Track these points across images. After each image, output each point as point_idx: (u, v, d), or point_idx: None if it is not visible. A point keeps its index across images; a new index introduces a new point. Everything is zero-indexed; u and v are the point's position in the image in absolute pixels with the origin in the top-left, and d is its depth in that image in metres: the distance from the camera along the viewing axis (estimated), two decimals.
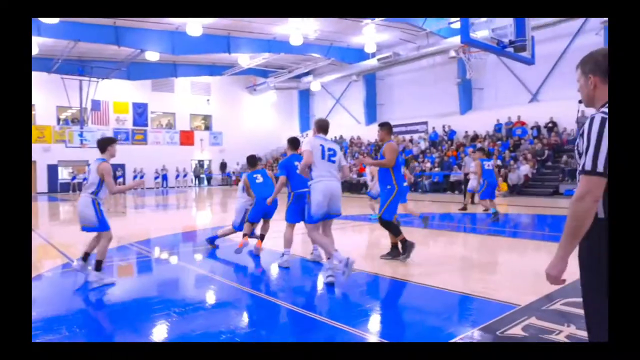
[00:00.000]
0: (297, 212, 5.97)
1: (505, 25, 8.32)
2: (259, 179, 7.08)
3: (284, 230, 6.12)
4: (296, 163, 6.01)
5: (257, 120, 35.96)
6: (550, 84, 21.95)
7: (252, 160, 7.33)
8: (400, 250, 6.13)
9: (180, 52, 23.93)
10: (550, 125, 20.93)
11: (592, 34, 20.10)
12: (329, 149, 5.17)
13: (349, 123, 32.14)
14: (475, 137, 23.16)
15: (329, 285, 5.07)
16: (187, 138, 33.26)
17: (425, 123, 26.78)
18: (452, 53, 22.73)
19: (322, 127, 5.37)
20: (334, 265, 5.10)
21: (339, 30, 24.74)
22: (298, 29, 23.21)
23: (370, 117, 30.35)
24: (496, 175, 11.49)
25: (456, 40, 22.52)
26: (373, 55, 26.76)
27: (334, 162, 5.17)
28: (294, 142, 6.45)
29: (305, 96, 35.55)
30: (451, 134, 24.80)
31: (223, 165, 34.73)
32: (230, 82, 34.32)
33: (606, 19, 17.66)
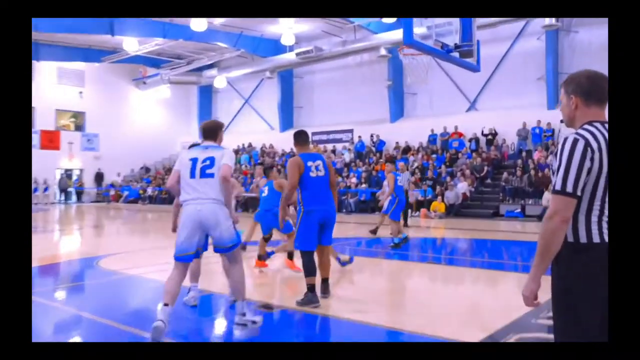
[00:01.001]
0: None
1: (443, 23, 8.50)
2: (265, 191, 8.15)
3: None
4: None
5: (145, 121, 34.37)
6: (490, 91, 23.24)
7: (265, 171, 8.64)
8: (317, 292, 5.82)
9: (46, 28, 22.17)
10: (490, 137, 22.08)
11: (533, 38, 21.63)
12: (204, 160, 4.63)
13: (261, 128, 31.79)
14: (408, 149, 23.83)
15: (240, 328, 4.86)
16: (50, 140, 30.94)
17: (351, 131, 27.16)
18: (383, 51, 23.36)
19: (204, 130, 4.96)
20: (244, 312, 4.81)
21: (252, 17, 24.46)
22: None
23: (286, 122, 30.25)
24: (406, 193, 11.78)
25: (388, 36, 23.15)
26: (291, 48, 26.75)
27: (209, 175, 4.60)
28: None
29: (207, 93, 34.67)
30: (380, 144, 25.33)
31: (99, 177, 32.74)
32: (112, 72, 32.48)
33: (548, 22, 19.12)
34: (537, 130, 20.84)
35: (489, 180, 20.43)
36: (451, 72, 22.99)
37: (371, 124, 26.22)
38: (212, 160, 4.59)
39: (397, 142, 24.52)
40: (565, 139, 2.33)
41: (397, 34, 23.08)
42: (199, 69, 31.02)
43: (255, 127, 32.03)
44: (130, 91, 34.22)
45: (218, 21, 24.31)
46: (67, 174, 32.38)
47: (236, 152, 31.18)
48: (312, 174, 5.73)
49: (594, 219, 2.32)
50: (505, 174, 19.71)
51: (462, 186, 19.59)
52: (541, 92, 21.41)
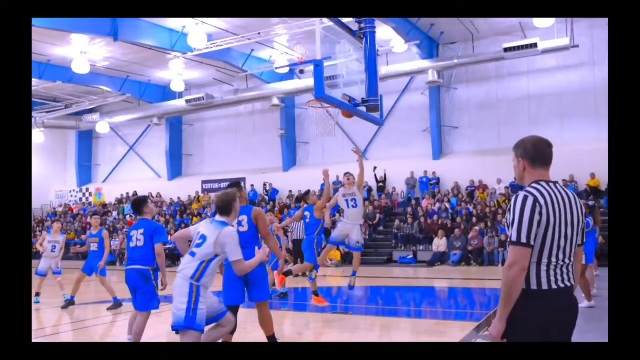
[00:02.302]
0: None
1: (351, 80, 9.10)
2: (307, 218, 8.99)
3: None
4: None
5: None
6: (380, 141, 24.62)
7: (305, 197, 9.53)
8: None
9: None
10: (381, 184, 23.24)
11: (417, 93, 23.44)
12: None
13: (147, 176, 30.80)
14: (302, 197, 24.33)
15: None
16: None
17: (244, 179, 27.26)
18: (276, 100, 24.03)
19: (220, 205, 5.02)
20: None
21: (139, 61, 24.08)
22: (84, 53, 21.88)
23: (175, 169, 29.65)
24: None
25: (280, 86, 23.91)
26: (181, 95, 26.61)
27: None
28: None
29: (87, 139, 33.09)
30: (273, 193, 25.64)
31: None
32: None
33: (431, 79, 20.89)
34: (425, 179, 22.34)
35: (381, 228, 21.38)
36: (343, 122, 24.10)
37: (264, 172, 26.52)
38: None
39: (290, 191, 24.98)
40: (517, 196, 2.71)
41: (290, 85, 23.96)
42: (79, 113, 29.66)
43: (141, 174, 30.98)
44: None
45: (102, 64, 23.68)
46: None
47: (120, 201, 29.90)
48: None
49: (544, 267, 2.62)
50: (397, 222, 20.77)
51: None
52: (427, 143, 23.04)
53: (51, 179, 33.04)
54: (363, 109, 9.19)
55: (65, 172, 33.95)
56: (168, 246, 17.72)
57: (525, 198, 2.65)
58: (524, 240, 2.59)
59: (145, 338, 5.61)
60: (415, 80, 23.30)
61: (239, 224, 5.65)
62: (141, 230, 6.13)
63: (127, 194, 29.93)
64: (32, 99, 28.83)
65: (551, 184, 2.75)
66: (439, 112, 22.96)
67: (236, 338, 5.45)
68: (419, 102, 23.47)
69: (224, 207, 4.82)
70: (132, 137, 31.77)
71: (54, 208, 32.10)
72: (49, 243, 11.60)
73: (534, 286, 2.62)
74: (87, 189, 32.82)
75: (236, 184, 6.06)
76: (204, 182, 28.31)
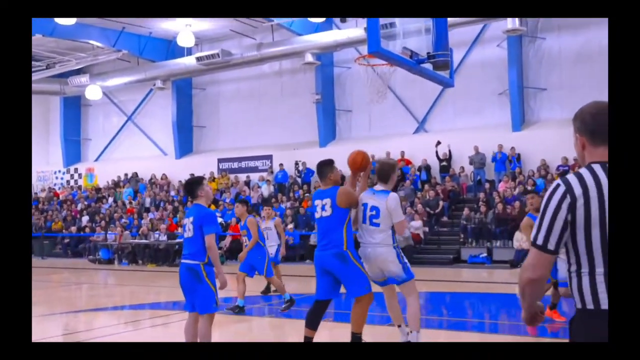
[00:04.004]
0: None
1: (411, 29, 8.91)
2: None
3: None
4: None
5: None
6: (442, 108, 24.33)
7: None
8: None
9: None
10: (444, 164, 23.00)
11: (492, 45, 23.02)
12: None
13: (150, 153, 31.27)
14: (342, 178, 24.32)
15: None
16: None
17: (269, 157, 27.40)
18: (309, 57, 23.94)
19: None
20: None
21: None
22: None
23: (184, 144, 30.00)
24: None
25: (315, 38, 23.80)
26: (190, 51, 26.79)
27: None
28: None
29: (74, 107, 33.70)
30: (307, 174, 25.72)
31: None
32: None
33: (510, 26, 20.47)
34: (501, 156, 22.01)
35: (445, 218, 21.23)
36: (395, 85, 23.97)
37: (295, 148, 26.60)
38: None
39: None
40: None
41: (327, 37, 23.83)
42: (64, 74, 30.15)
43: (142, 152, 31.45)
44: None
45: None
46: None
47: (116, 184, 30.48)
48: (317, 215, 6.78)
49: (600, 279, 2.49)
50: (465, 210, 20.58)
51: (415, 224, 20.21)
52: (504, 110, 22.68)
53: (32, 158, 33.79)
54: (428, 66, 9.07)
55: (48, 149, 34.72)
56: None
57: (555, 188, 2.58)
58: (539, 242, 2.59)
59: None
60: (490, 28, 22.88)
61: (322, 207, 6.69)
62: (191, 219, 6.39)
63: (125, 175, 30.49)
64: None
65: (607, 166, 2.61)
66: (521, 69, 22.54)
67: (241, 338, 5.57)
68: (493, 57, 23.06)
69: (384, 176, 6.71)
70: (130, 104, 32.24)
71: (36, 193, 32.95)
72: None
73: (590, 305, 2.51)
74: (76, 170, 33.58)
75: (329, 161, 6.89)
76: (220, 160, 28.56)
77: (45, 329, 9.92)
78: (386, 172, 6.72)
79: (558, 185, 2.58)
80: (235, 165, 28.02)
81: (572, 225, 2.53)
